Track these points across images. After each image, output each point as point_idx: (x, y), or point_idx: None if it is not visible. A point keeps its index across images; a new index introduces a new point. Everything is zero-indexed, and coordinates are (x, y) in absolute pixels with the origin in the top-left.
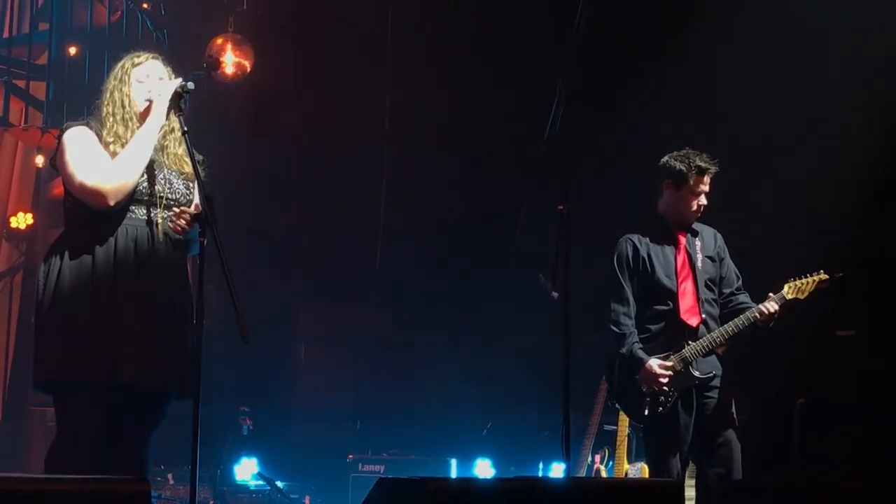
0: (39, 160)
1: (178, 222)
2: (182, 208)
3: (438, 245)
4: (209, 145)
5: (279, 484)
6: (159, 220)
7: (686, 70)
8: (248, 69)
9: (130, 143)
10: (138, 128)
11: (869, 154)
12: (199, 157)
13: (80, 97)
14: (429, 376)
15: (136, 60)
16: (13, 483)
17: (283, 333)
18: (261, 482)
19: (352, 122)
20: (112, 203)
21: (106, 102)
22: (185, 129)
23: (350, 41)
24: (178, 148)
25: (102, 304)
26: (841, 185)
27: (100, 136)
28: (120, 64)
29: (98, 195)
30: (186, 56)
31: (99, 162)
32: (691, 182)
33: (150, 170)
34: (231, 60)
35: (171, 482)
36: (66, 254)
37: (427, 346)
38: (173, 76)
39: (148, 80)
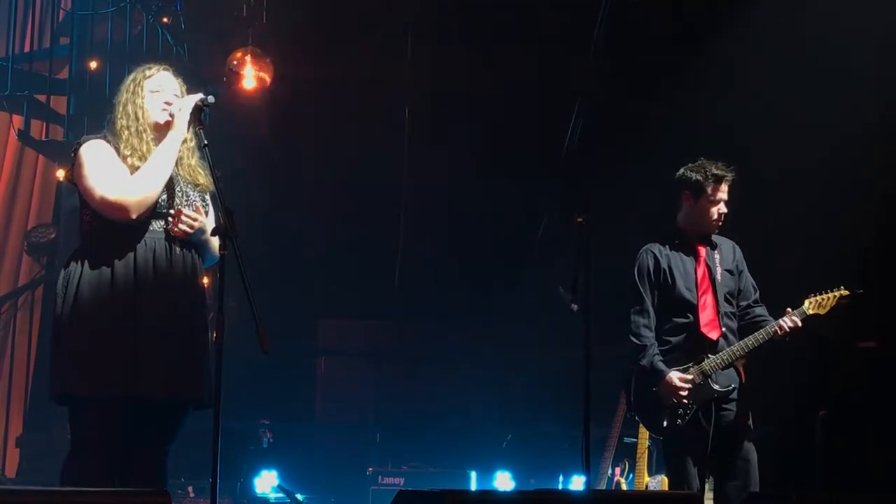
0: (60, 174)
1: (179, 225)
2: (179, 208)
3: (458, 258)
4: (228, 159)
5: (299, 496)
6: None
7: (705, 82)
8: (268, 83)
9: (152, 156)
10: (153, 139)
11: (887, 166)
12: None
13: (100, 111)
14: (448, 389)
15: (148, 72)
16: (34, 496)
17: (303, 347)
18: (281, 495)
19: (371, 136)
20: (135, 216)
21: (120, 115)
22: (206, 142)
23: (369, 56)
24: (191, 159)
25: (121, 317)
26: (860, 197)
27: (117, 150)
28: (132, 76)
29: (121, 208)
30: (206, 70)
31: (119, 175)
32: (709, 191)
33: (169, 183)
34: (251, 74)
35: (192, 494)
36: (85, 267)
37: (446, 359)
38: (185, 87)
39: (161, 92)
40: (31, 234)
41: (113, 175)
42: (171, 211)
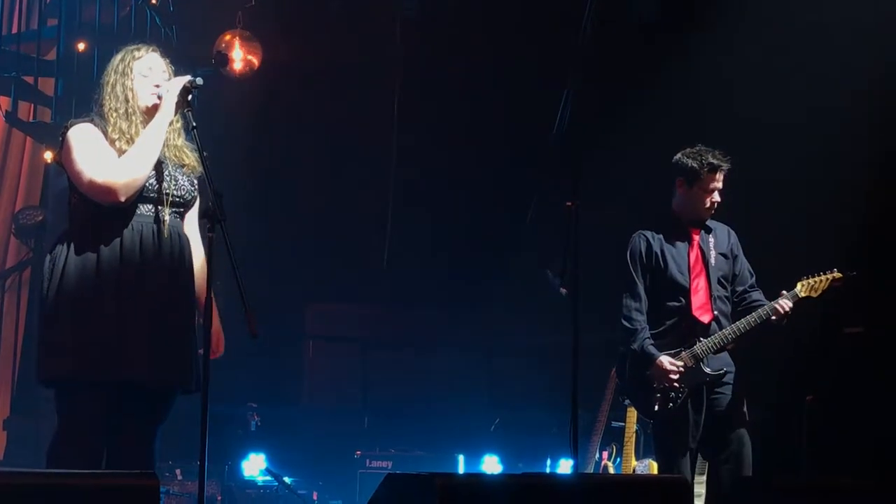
0: (48, 156)
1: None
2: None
3: (446, 242)
4: (215, 141)
5: (287, 479)
6: (166, 217)
7: (698, 64)
8: (257, 65)
9: (140, 138)
10: (142, 122)
11: (881, 150)
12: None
13: (88, 93)
14: (436, 373)
15: (137, 54)
16: (23, 478)
17: (292, 330)
18: (269, 478)
19: (359, 119)
20: (123, 199)
21: (108, 98)
22: (194, 124)
23: (358, 38)
24: (178, 140)
25: (107, 300)
26: (852, 182)
27: (105, 133)
28: (119, 57)
29: (109, 192)
30: (195, 52)
31: (107, 158)
32: (703, 179)
33: (158, 166)
34: (239, 56)
35: (180, 477)
36: (72, 250)
37: (435, 342)
38: (172, 68)
39: (152, 74)
40: (18, 217)
41: (101, 158)
42: (161, 196)
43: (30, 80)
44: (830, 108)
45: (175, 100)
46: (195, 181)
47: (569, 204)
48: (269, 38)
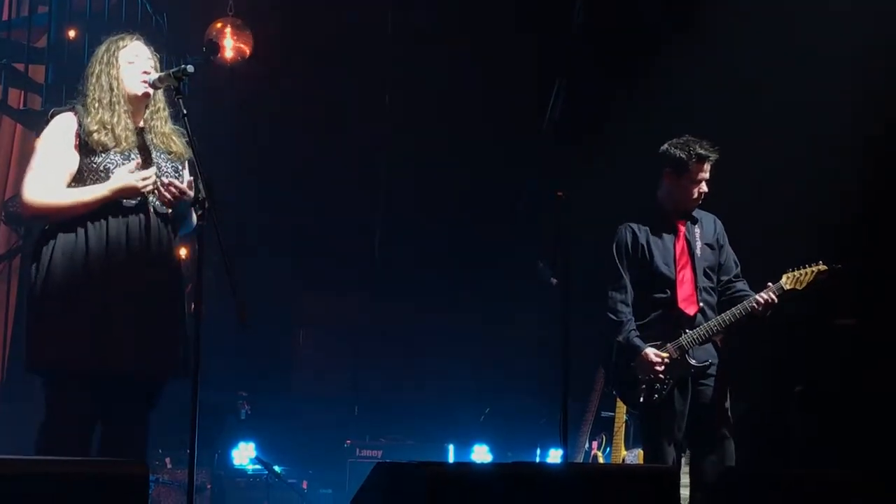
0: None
1: (165, 195)
2: (171, 180)
3: (437, 231)
4: (208, 131)
5: (277, 468)
6: (151, 207)
7: (689, 55)
8: (248, 53)
9: (81, 196)
10: (126, 111)
11: (870, 142)
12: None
13: (78, 80)
14: (427, 362)
15: (121, 43)
16: (12, 465)
17: (283, 319)
18: (258, 466)
19: (352, 108)
20: (29, 217)
21: (92, 88)
22: (185, 112)
23: (349, 26)
24: (164, 127)
25: (93, 289)
26: (841, 174)
27: (83, 123)
28: (104, 48)
29: (26, 208)
30: (185, 40)
31: (46, 179)
32: (691, 170)
33: (146, 154)
34: (230, 45)
35: (170, 466)
36: (59, 239)
37: (425, 332)
38: (157, 56)
39: (138, 61)
40: (8, 204)
41: (40, 175)
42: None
43: (20, 67)
44: (821, 99)
45: (106, 197)
46: (180, 168)
47: (559, 194)
48: (260, 25)
